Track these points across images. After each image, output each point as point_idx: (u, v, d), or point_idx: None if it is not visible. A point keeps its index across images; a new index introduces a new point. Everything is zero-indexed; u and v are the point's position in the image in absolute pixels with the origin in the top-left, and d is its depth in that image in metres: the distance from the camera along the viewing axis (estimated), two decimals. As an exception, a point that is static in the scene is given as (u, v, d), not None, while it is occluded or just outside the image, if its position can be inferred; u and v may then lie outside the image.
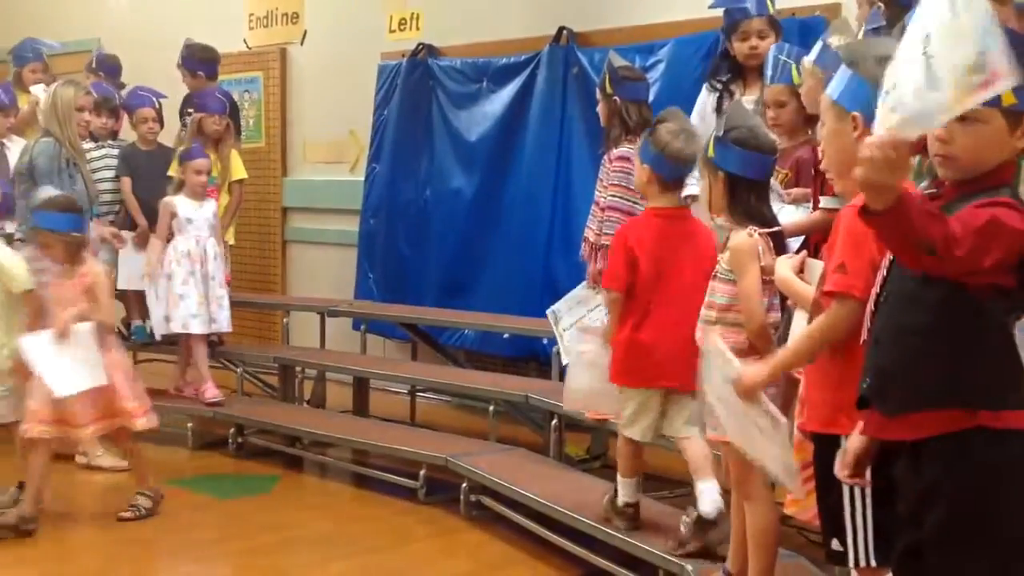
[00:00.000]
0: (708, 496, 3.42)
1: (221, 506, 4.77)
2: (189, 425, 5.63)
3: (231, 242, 6.17)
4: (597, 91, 4.51)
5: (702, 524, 3.43)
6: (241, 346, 6.52)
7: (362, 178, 7.06)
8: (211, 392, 5.60)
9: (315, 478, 5.29)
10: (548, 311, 4.68)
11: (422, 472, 4.74)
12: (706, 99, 4.50)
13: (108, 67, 6.56)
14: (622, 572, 3.72)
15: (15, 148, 5.87)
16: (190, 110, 6.11)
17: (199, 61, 6.41)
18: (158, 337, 5.79)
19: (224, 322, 5.66)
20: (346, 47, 7.32)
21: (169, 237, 5.56)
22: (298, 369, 6.09)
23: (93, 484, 5.05)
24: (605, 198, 4.35)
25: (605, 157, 4.43)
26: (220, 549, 4.20)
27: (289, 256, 7.64)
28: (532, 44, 6.31)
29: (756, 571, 3.08)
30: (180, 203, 5.55)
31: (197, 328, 5.54)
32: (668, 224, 3.57)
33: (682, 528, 3.47)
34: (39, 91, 6.35)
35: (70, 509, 4.80)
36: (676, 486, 4.36)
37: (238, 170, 6.12)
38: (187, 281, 5.49)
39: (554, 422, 4.79)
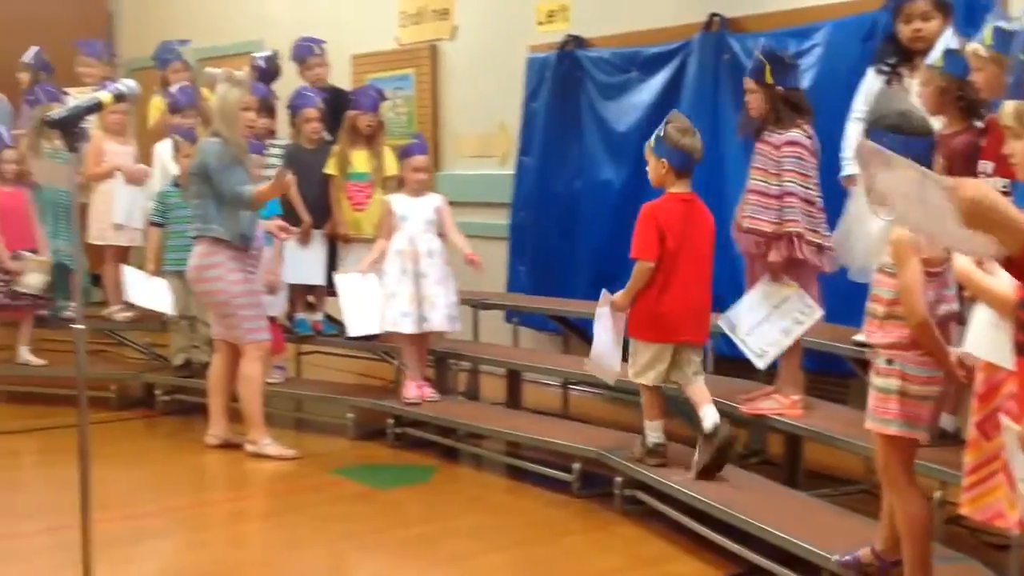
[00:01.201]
0: (709, 416, 4.19)
1: (379, 495, 4.87)
2: (349, 415, 5.77)
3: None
4: (749, 80, 4.40)
5: (707, 439, 4.18)
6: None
7: (512, 171, 7.10)
8: (412, 392, 5.58)
9: (470, 469, 5.34)
10: (721, 319, 4.56)
11: (576, 465, 4.74)
12: (873, 83, 4.38)
13: (266, 71, 6.77)
14: (782, 571, 3.64)
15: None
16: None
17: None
18: (351, 334, 5.72)
19: (437, 321, 5.45)
20: (495, 41, 7.37)
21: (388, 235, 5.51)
22: (452, 361, 6.16)
23: (261, 472, 5.22)
24: (779, 184, 4.26)
25: (764, 145, 4.34)
26: (378, 538, 4.28)
27: (442, 250, 7.74)
28: (682, 32, 6.23)
29: (909, 561, 3.09)
30: (398, 201, 5.52)
31: (407, 328, 5.42)
32: (686, 207, 4.30)
33: (697, 453, 4.23)
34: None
35: (238, 496, 4.99)
36: (841, 484, 4.25)
37: (392, 166, 6.23)
38: (399, 280, 5.42)
39: (708, 416, 4.71)
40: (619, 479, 4.51)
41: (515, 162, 7.11)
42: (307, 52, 6.64)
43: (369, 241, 6.12)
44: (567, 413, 6.04)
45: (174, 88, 6.67)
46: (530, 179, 6.99)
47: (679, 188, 4.31)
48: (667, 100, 6.26)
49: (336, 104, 6.43)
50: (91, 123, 6.92)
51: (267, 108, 6.29)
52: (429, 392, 5.62)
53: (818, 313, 4.34)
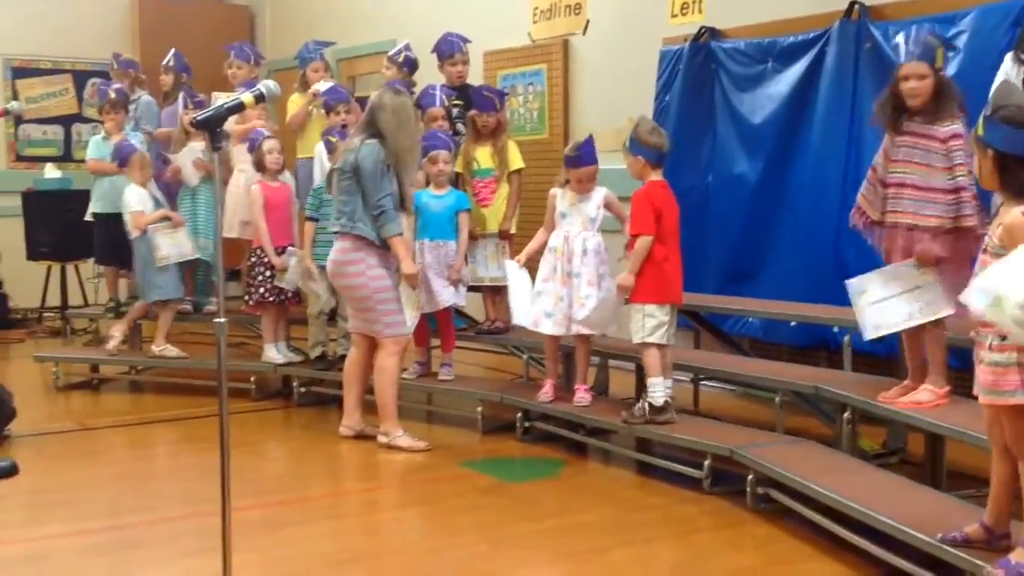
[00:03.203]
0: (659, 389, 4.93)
1: (508, 488, 4.89)
2: (479, 409, 5.81)
3: (513, 231, 6.30)
4: (922, 65, 4.20)
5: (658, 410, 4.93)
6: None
7: (644, 165, 7.02)
8: (542, 392, 5.55)
9: (599, 464, 5.32)
10: (850, 281, 4.49)
11: (707, 462, 4.67)
12: (1010, 70, 4.21)
13: (408, 62, 6.86)
14: (923, 574, 3.52)
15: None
16: None
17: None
18: (516, 323, 5.67)
19: (585, 324, 5.26)
20: (627, 35, 7.32)
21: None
22: (582, 356, 6.13)
23: (393, 463, 5.30)
24: (952, 179, 4.12)
25: (918, 137, 4.19)
26: (507, 530, 4.29)
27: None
28: (821, 21, 6.07)
29: None
30: (559, 197, 5.44)
31: (547, 328, 5.35)
32: (666, 191, 5.02)
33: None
34: (322, 86, 6.79)
35: (371, 486, 5.08)
36: (985, 484, 4.08)
37: (515, 160, 6.25)
38: (548, 278, 5.35)
39: (846, 414, 4.59)
40: (751, 476, 4.42)
41: (646, 156, 7.03)
42: (454, 48, 6.67)
43: (493, 236, 6.17)
44: (697, 409, 5.96)
45: (324, 87, 6.81)
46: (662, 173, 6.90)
47: (657, 176, 5.02)
48: (804, 91, 6.13)
49: (468, 101, 6.47)
50: (232, 122, 7.15)
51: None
52: (582, 395, 5.42)
53: (948, 310, 4.20)
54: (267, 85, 2.98)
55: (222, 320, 2.95)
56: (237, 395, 6.53)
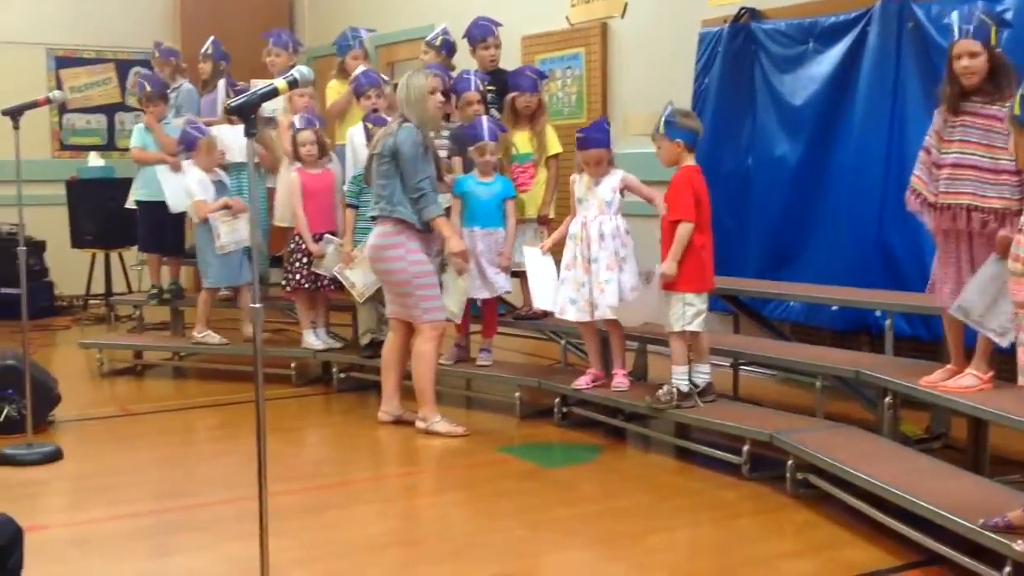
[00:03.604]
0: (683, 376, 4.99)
1: (546, 474, 4.89)
2: (517, 394, 5.81)
3: (552, 216, 6.28)
4: (974, 43, 4.11)
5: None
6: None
7: (683, 149, 6.97)
8: (580, 380, 5.53)
9: (637, 450, 5.30)
10: (953, 308, 4.23)
11: (746, 447, 4.64)
12: None
13: (446, 45, 6.85)
14: (965, 560, 3.47)
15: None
16: None
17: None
18: (535, 306, 5.79)
19: (604, 308, 5.21)
20: (666, 17, 7.26)
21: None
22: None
23: (431, 448, 5.31)
24: (1011, 159, 4.01)
25: (978, 117, 4.11)
26: (545, 515, 4.29)
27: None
28: (863, 0, 5.98)
29: None
30: (576, 182, 5.40)
31: (572, 315, 5.31)
32: (700, 175, 4.95)
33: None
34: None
35: (409, 471, 5.10)
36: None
37: (553, 145, 6.22)
38: (570, 265, 5.30)
39: (887, 399, 4.54)
40: (791, 462, 4.38)
41: (686, 139, 6.98)
42: (486, 32, 6.65)
43: (532, 221, 6.15)
44: (736, 394, 5.92)
45: (357, 72, 6.82)
46: (700, 156, 6.79)
47: (691, 160, 4.96)
48: (846, 72, 6.06)
49: (502, 86, 6.45)
50: (280, 109, 7.19)
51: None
52: (620, 380, 5.40)
53: None
54: (300, 71, 2.98)
55: (258, 306, 2.96)
56: (278, 381, 6.58)
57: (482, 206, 5.83)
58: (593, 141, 5.29)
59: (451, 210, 5.81)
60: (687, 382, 4.97)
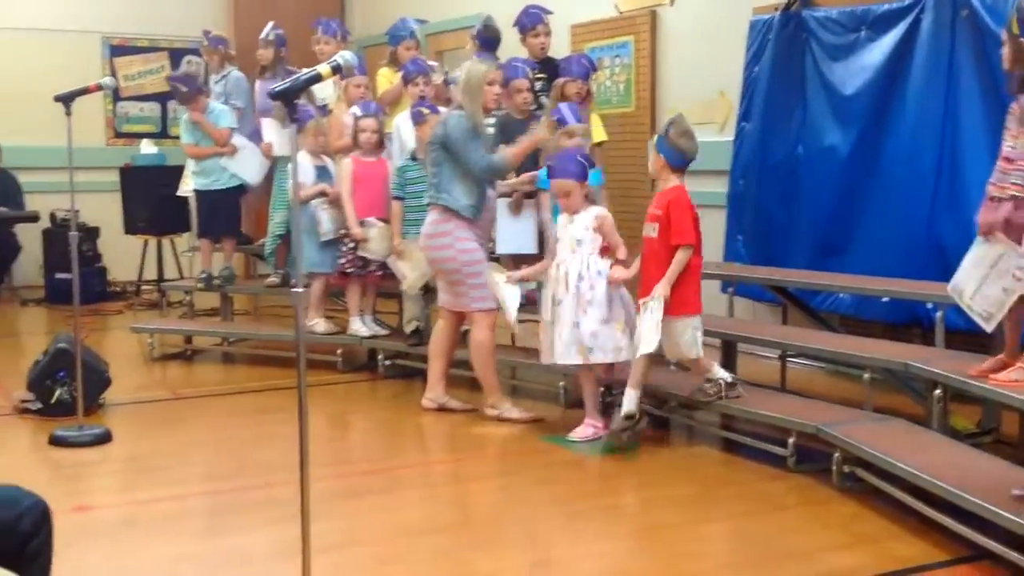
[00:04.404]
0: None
1: (591, 463, 4.88)
2: (562, 384, 5.80)
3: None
4: (1003, 32, 4.07)
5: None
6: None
7: (731, 138, 6.93)
8: (578, 431, 5.27)
9: (681, 440, 5.27)
10: (950, 288, 4.27)
11: (791, 439, 4.59)
12: None
13: (487, 39, 6.84)
14: (1016, 557, 3.41)
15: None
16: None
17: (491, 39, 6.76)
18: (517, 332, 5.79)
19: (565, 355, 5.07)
20: (716, 5, 7.20)
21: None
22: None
23: (475, 436, 5.31)
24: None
25: (1015, 104, 4.02)
26: (587, 504, 4.28)
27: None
28: (916, -13, 5.88)
29: None
30: (560, 218, 5.26)
31: (545, 359, 5.19)
32: (688, 195, 4.77)
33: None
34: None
35: (452, 458, 5.11)
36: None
37: (599, 133, 6.19)
38: (548, 309, 5.13)
39: (937, 392, 4.47)
40: (837, 455, 4.33)
41: (735, 129, 6.93)
42: (536, 20, 6.62)
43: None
44: (784, 386, 5.86)
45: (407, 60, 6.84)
46: (750, 146, 6.81)
47: (679, 180, 4.80)
48: (898, 61, 5.96)
49: (551, 75, 6.43)
50: (333, 98, 7.23)
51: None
52: (600, 430, 5.10)
53: None
54: (344, 56, 2.98)
55: (300, 290, 2.97)
56: (324, 367, 6.63)
57: None
58: (560, 171, 5.01)
59: (538, 204, 5.74)
60: (727, 376, 4.91)
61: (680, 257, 4.70)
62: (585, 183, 5.03)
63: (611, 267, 4.97)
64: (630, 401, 4.82)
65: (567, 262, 5.00)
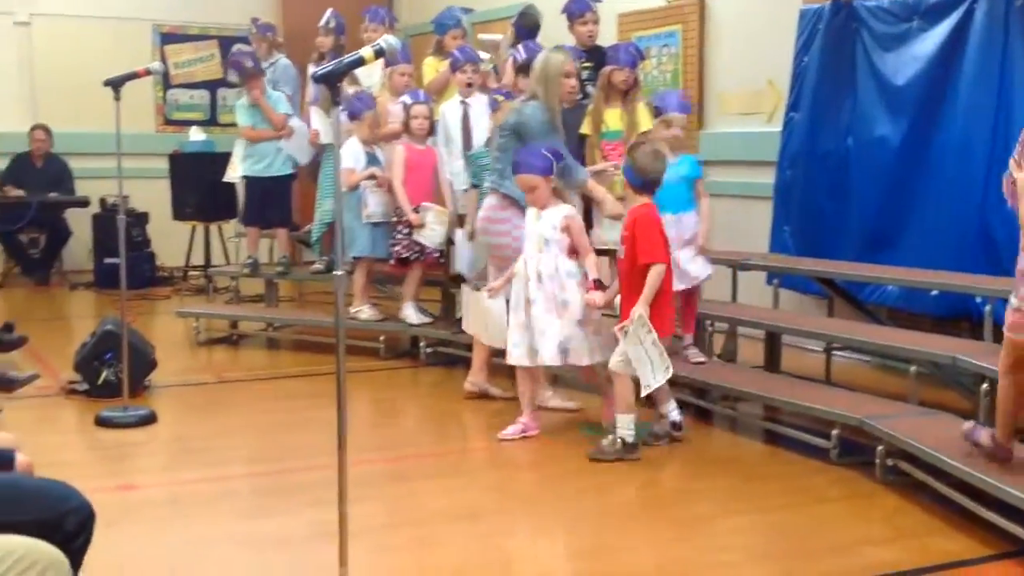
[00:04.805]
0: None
1: (630, 452, 4.87)
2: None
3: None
4: None
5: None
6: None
7: (779, 128, 6.85)
8: (509, 429, 5.16)
9: (724, 432, 5.24)
10: None
11: (835, 432, 4.55)
12: None
13: (524, 28, 6.82)
14: (1060, 554, 3.36)
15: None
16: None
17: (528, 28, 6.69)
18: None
19: (547, 355, 4.91)
20: (766, -6, 7.13)
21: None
22: (708, 323, 6.04)
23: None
24: None
25: None
26: (628, 494, 4.28)
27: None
28: (970, -24, 5.78)
29: None
30: (529, 212, 5.14)
31: (514, 360, 5.01)
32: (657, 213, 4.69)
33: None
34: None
35: (491, 445, 5.11)
36: None
37: (645, 122, 6.13)
38: (514, 306, 5.05)
39: (984, 386, 4.40)
40: (880, 448, 4.28)
41: (783, 119, 6.86)
42: (585, 8, 6.57)
43: (620, 200, 6.07)
44: (829, 378, 5.80)
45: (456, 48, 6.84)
46: (799, 137, 6.73)
47: (646, 199, 4.68)
48: (951, 51, 5.86)
49: (598, 63, 6.39)
50: (378, 85, 7.25)
51: (523, 68, 6.32)
52: (532, 430, 5.05)
53: None
54: (387, 40, 2.99)
55: (340, 273, 2.99)
56: (366, 353, 6.67)
57: (668, 190, 5.14)
58: (525, 166, 4.90)
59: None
60: (632, 432, 4.65)
61: (652, 276, 4.51)
62: (551, 178, 4.89)
63: (588, 291, 4.81)
64: (672, 414, 4.87)
65: (535, 259, 4.90)
